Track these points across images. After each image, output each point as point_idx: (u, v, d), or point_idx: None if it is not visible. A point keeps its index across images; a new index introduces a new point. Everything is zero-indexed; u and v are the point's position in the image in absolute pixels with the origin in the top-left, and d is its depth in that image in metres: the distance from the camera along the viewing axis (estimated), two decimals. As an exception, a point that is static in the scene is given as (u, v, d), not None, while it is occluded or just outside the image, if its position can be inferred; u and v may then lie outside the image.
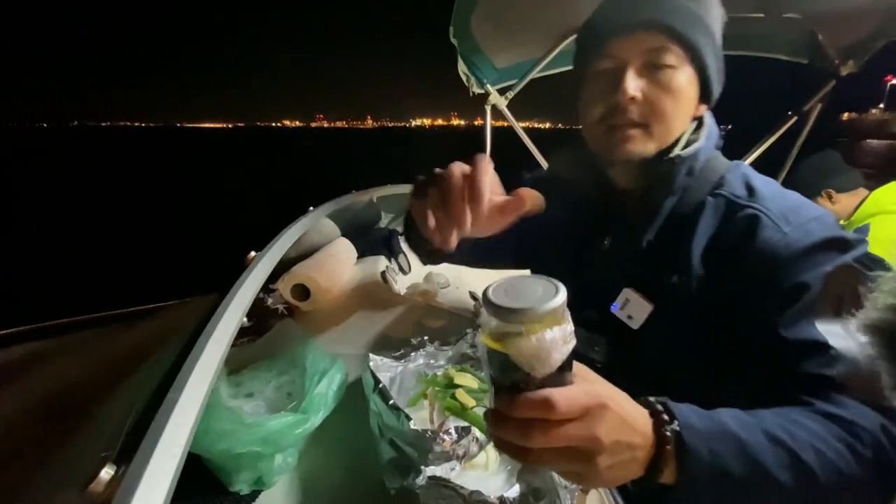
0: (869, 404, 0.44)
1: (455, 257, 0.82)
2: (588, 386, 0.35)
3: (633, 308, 0.61)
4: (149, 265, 6.27)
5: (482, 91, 1.81)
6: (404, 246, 1.39)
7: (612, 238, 0.68)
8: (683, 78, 0.60)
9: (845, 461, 0.41)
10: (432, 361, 0.76)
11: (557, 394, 0.33)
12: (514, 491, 0.51)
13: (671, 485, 0.39)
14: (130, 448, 0.26)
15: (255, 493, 0.56)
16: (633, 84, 0.59)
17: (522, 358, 0.31)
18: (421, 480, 0.50)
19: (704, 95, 0.64)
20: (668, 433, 0.38)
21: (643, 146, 0.61)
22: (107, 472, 0.26)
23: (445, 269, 1.36)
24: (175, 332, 0.60)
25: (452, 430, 0.53)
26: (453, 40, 1.57)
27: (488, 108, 1.86)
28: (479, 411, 0.62)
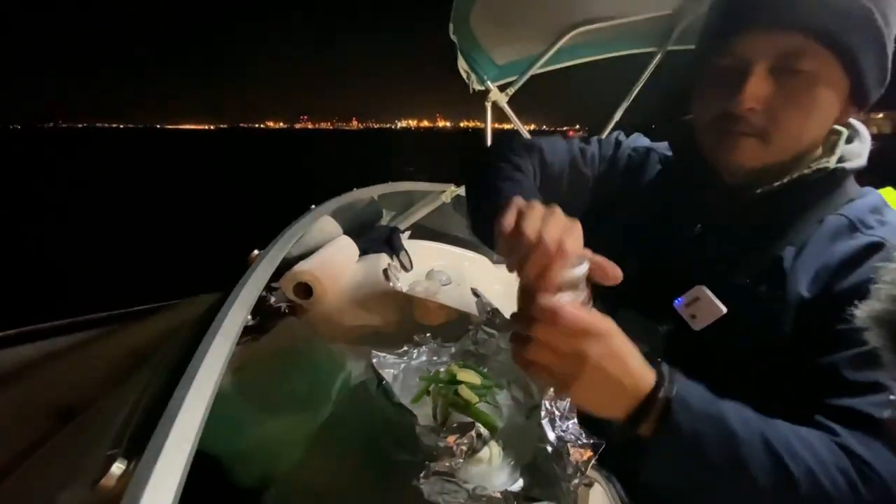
0: None
1: None
2: (600, 319, 0.41)
3: (700, 308, 0.56)
4: (151, 265, 6.28)
5: (482, 88, 1.80)
6: (406, 244, 1.39)
7: (704, 227, 0.61)
8: (823, 85, 0.50)
9: (839, 493, 0.40)
10: (435, 358, 0.77)
11: (568, 307, 0.39)
12: (517, 485, 0.51)
13: (645, 441, 0.42)
14: (139, 444, 0.26)
15: (260, 489, 0.57)
16: (756, 92, 0.51)
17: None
18: (425, 476, 0.50)
19: (857, 98, 0.54)
20: (659, 395, 0.41)
21: (755, 157, 0.54)
22: (118, 468, 0.27)
23: (448, 267, 1.36)
24: (180, 331, 0.60)
25: (456, 426, 0.54)
26: (453, 36, 1.56)
27: (489, 105, 1.85)
28: (483, 407, 0.63)
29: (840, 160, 0.55)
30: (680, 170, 0.68)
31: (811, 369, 0.50)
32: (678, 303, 0.58)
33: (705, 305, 0.55)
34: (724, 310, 0.54)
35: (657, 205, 0.67)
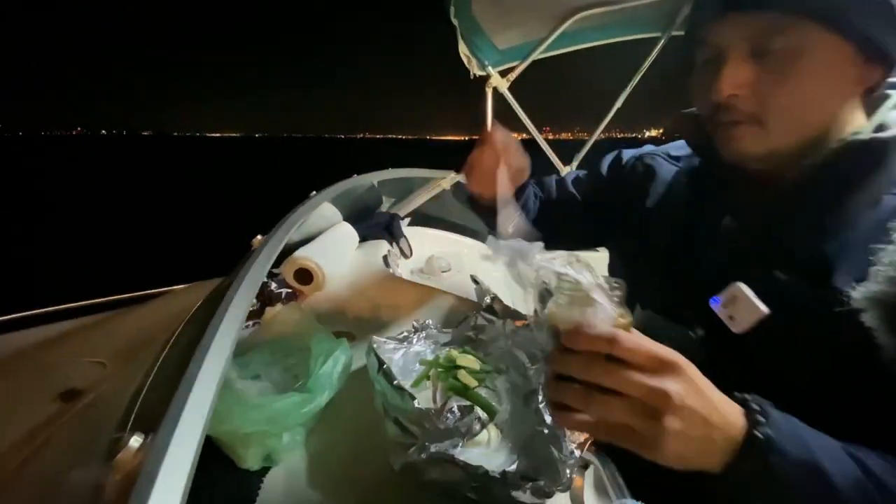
0: None
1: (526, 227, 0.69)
2: (666, 348, 0.34)
3: (739, 308, 0.49)
4: (156, 252, 6.36)
5: (483, 73, 1.78)
6: (405, 230, 1.39)
7: (734, 221, 0.56)
8: (810, 55, 0.46)
9: None
10: (435, 343, 0.78)
11: (625, 334, 0.33)
12: (514, 467, 0.53)
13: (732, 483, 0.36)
14: (155, 418, 0.28)
15: (264, 470, 0.58)
16: (731, 79, 0.48)
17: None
18: (424, 457, 0.52)
19: (874, 56, 0.47)
20: (759, 435, 0.35)
21: (756, 145, 0.50)
22: (136, 441, 0.28)
23: (447, 254, 1.37)
24: (185, 314, 0.61)
25: (455, 409, 0.55)
26: (454, 20, 1.54)
27: (489, 91, 1.84)
28: (481, 391, 0.64)
29: (879, 129, 0.48)
30: (699, 164, 0.64)
31: (876, 382, 0.44)
32: (714, 302, 0.51)
33: (744, 305, 0.48)
34: (766, 310, 0.46)
35: (679, 203, 0.63)
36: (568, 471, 0.49)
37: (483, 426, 0.58)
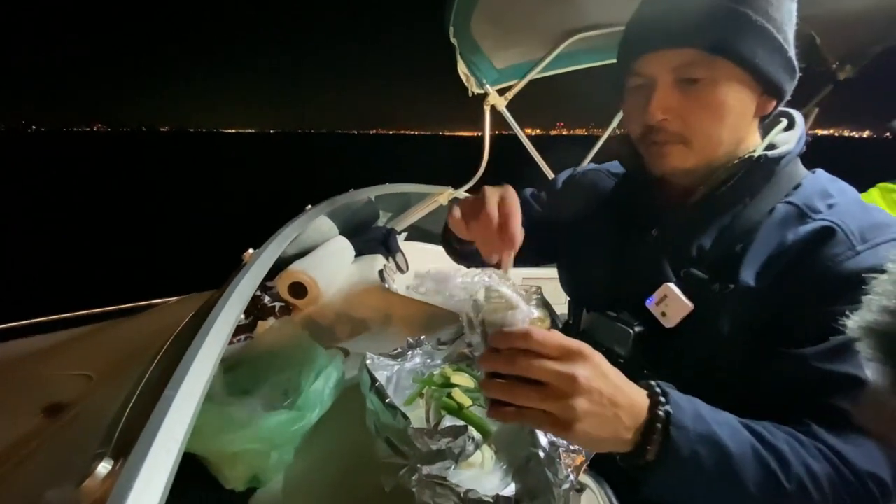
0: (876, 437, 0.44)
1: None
2: (574, 340, 0.39)
3: (669, 306, 0.57)
4: (147, 262, 6.29)
5: (481, 91, 1.81)
6: (402, 245, 1.39)
7: (660, 230, 0.64)
8: (724, 86, 0.54)
9: (825, 499, 0.42)
10: (429, 360, 0.76)
11: (537, 330, 0.38)
12: (509, 490, 0.51)
13: (649, 464, 0.40)
14: (127, 444, 0.26)
15: (249, 491, 0.56)
16: (661, 104, 0.56)
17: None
18: (416, 479, 0.50)
19: (768, 90, 0.57)
20: (660, 412, 0.40)
21: (683, 161, 0.58)
22: (103, 468, 0.26)
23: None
24: (173, 328, 0.60)
25: (448, 429, 0.53)
26: (453, 40, 1.57)
27: (487, 109, 1.86)
28: (476, 410, 0.63)
29: (769, 148, 0.59)
30: (631, 180, 0.74)
31: (783, 364, 0.51)
32: (649, 302, 0.59)
33: (673, 302, 0.57)
34: (691, 306, 0.56)
35: (615, 217, 0.72)
36: (563, 495, 0.48)
37: (477, 447, 0.56)
